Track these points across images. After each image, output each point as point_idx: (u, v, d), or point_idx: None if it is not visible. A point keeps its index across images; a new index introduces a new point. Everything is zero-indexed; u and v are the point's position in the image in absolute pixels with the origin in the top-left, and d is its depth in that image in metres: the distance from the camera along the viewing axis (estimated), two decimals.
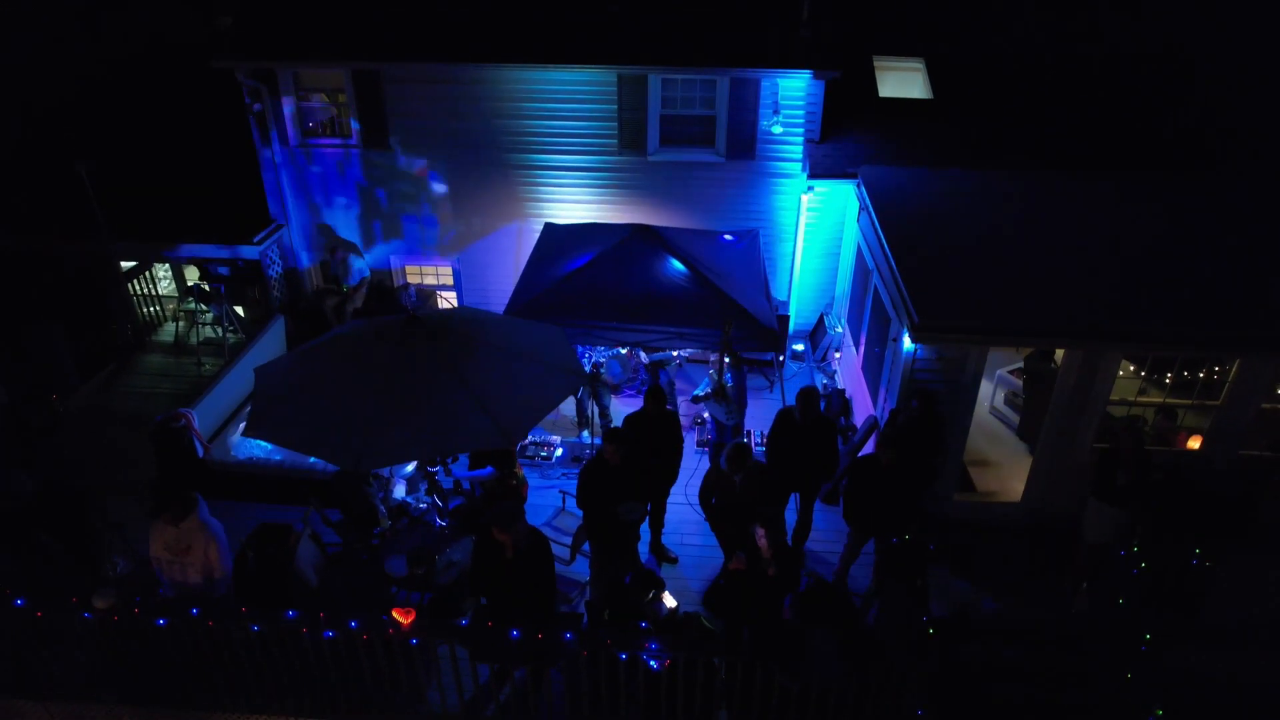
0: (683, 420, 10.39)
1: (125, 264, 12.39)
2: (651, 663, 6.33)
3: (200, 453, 9.27)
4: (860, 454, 8.61)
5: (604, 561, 7.41)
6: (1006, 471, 9.36)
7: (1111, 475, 7.48)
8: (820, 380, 11.35)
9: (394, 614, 6.41)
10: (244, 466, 9.28)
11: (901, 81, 11.99)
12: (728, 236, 9.82)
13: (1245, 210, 9.53)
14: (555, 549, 7.84)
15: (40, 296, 11.30)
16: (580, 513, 7.36)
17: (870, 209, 9.40)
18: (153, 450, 9.07)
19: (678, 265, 8.51)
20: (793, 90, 10.54)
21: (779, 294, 11.88)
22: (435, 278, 12.64)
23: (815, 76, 10.15)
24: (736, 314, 8.16)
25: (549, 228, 10.25)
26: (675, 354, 10.16)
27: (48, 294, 11.48)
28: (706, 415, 10.56)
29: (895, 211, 9.29)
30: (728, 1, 10.64)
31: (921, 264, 8.19)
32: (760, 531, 6.44)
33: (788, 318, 11.73)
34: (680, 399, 9.75)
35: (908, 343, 7.86)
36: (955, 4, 12.27)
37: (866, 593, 7.45)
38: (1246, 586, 7.64)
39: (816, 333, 12.09)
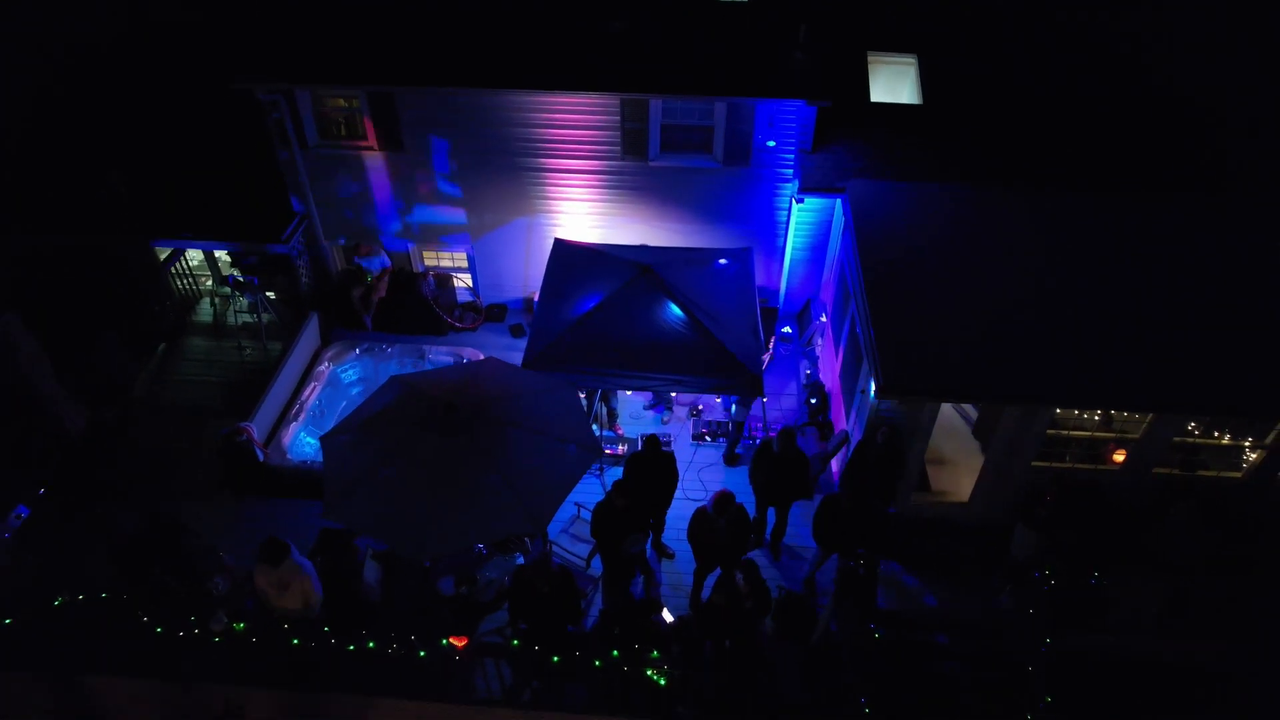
0: (678, 409, 11.84)
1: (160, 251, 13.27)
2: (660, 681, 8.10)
3: (261, 457, 10.70)
4: (825, 493, 10.03)
5: (613, 577, 9.04)
6: (960, 470, 10.81)
7: (1035, 508, 9.01)
8: (804, 366, 12.60)
9: (451, 641, 8.12)
10: (299, 470, 10.73)
11: (893, 78, 12.42)
12: (722, 261, 10.76)
13: (1240, 247, 10.09)
14: (573, 548, 9.51)
15: (87, 292, 12.24)
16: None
17: (853, 242, 10.27)
18: (220, 460, 10.51)
19: (676, 311, 9.58)
20: (786, 108, 11.10)
21: (771, 282, 12.91)
22: (451, 261, 13.56)
23: (808, 104, 10.70)
24: (727, 361, 9.34)
25: (558, 246, 11.12)
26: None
27: (92, 287, 12.41)
28: (702, 406, 11.99)
29: (876, 244, 10.14)
30: (726, 23, 10.96)
31: (894, 318, 9.22)
32: (740, 576, 8.00)
33: (776, 310, 12.83)
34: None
35: (874, 391, 9.09)
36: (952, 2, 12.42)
37: (827, 609, 9.12)
38: (1140, 597, 9.33)
39: (803, 316, 13.20)
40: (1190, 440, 9.58)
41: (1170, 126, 11.68)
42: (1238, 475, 9.72)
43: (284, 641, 8.34)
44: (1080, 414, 9.73)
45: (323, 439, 8.20)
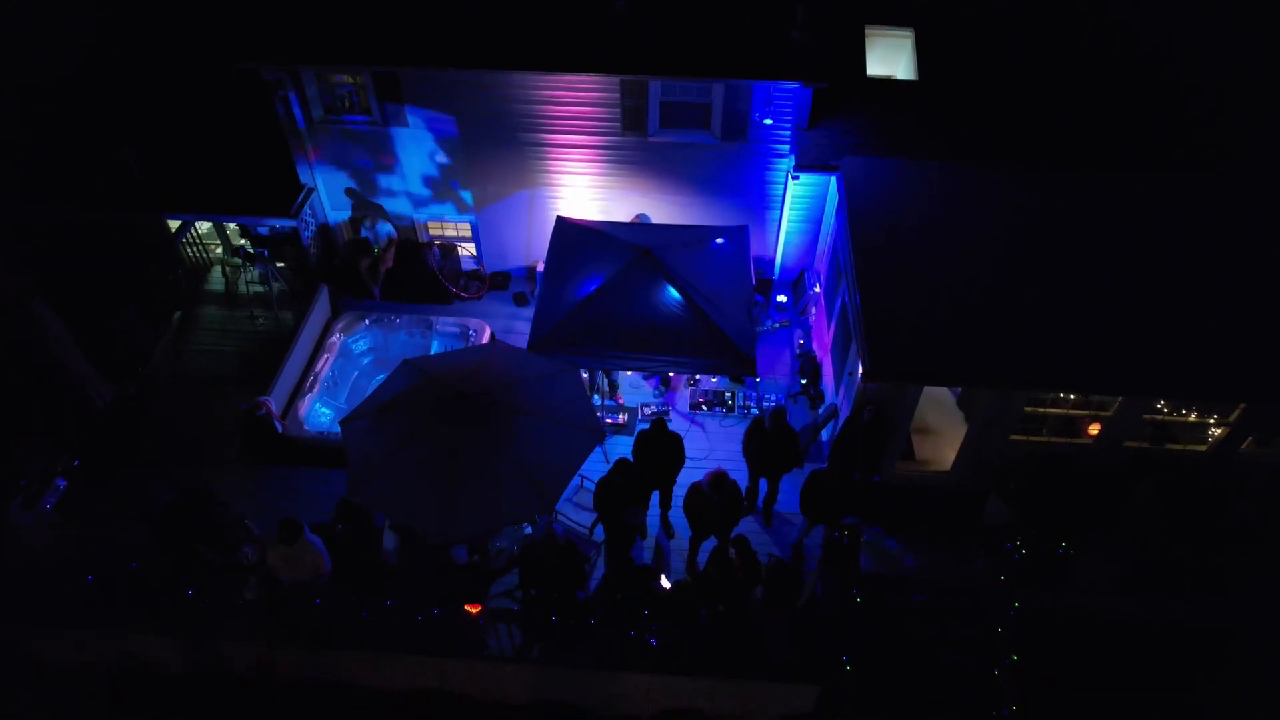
0: (675, 383, 12.37)
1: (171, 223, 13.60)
2: (652, 640, 8.84)
3: (279, 429, 11.27)
4: (814, 448, 10.64)
5: (615, 546, 9.71)
6: (944, 440, 11.39)
7: (1007, 481, 9.64)
8: (798, 335, 13.07)
9: (466, 608, 8.83)
10: (316, 440, 11.30)
11: (891, 51, 12.53)
12: (719, 240, 11.11)
13: (1225, 228, 10.42)
14: (577, 516, 10.18)
15: (106, 265, 12.63)
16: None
17: (846, 224, 10.63)
18: (241, 433, 11.08)
19: (674, 294, 9.99)
20: (783, 88, 11.29)
21: (768, 253, 13.29)
22: (455, 231, 13.88)
23: (804, 86, 10.90)
24: (722, 343, 9.82)
25: (560, 225, 11.43)
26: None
27: (111, 260, 12.79)
28: (699, 377, 12.52)
29: (868, 226, 10.50)
30: (725, 2, 11.05)
31: (882, 306, 9.65)
32: (733, 551, 8.66)
33: (772, 280, 13.25)
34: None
35: (861, 374, 9.60)
36: None
37: (813, 574, 9.81)
38: (1105, 560, 10.03)
39: (798, 285, 13.61)
40: (1160, 418, 10.14)
41: (1165, 103, 11.86)
42: (1203, 449, 10.32)
43: (310, 605, 9.05)
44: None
45: (342, 423, 8.74)
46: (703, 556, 9.77)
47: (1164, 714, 9.91)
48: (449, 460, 7.91)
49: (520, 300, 13.68)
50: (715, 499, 9.07)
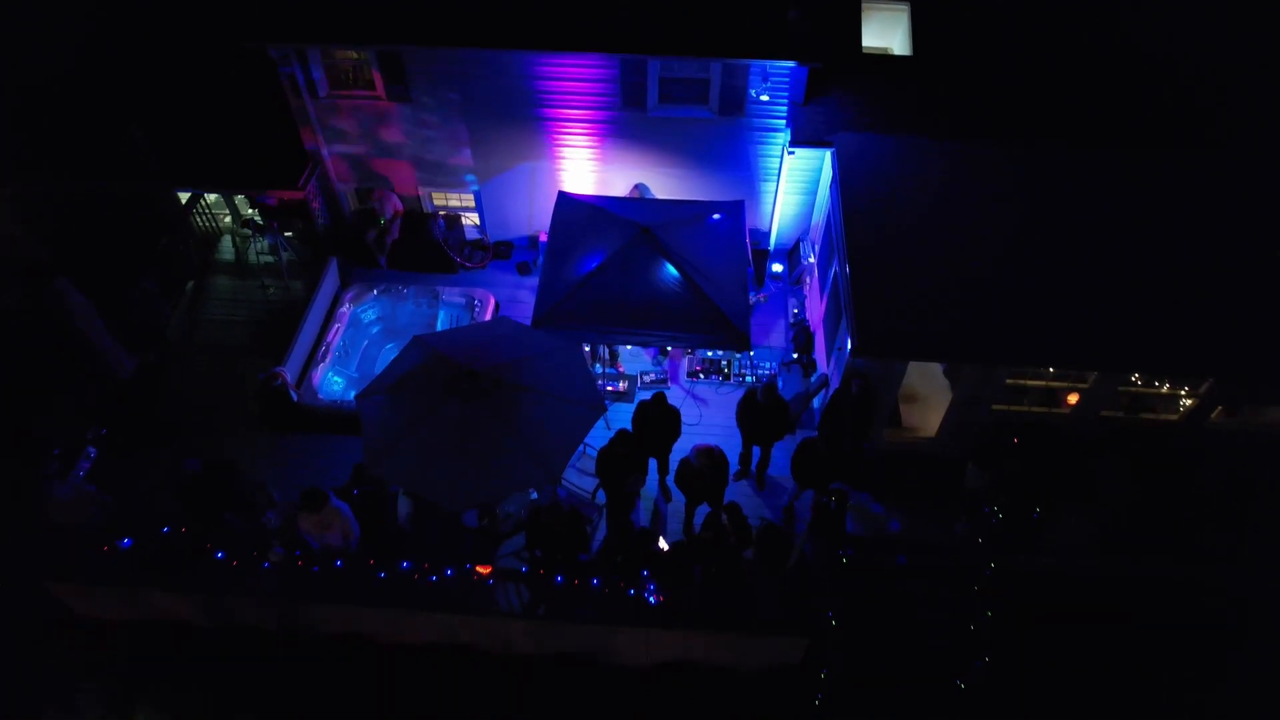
0: (674, 353, 12.86)
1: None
2: (650, 598, 9.50)
3: (294, 398, 11.80)
4: (805, 415, 11.14)
5: (615, 510, 10.31)
6: (930, 408, 11.89)
7: (987, 450, 10.20)
8: (792, 305, 13.51)
9: (477, 568, 9.47)
10: (330, 409, 11.83)
11: (886, 25, 12.71)
12: (716, 216, 11.46)
13: (1215, 210, 10.73)
14: (580, 482, 10.78)
15: (122, 237, 13.01)
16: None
17: (839, 201, 10.98)
18: (258, 403, 11.60)
19: (672, 272, 10.40)
20: (780, 65, 11.52)
21: (764, 223, 13.65)
22: (459, 202, 14.20)
23: (799, 64, 11.14)
24: (717, 319, 10.28)
25: (562, 200, 11.76)
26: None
27: (126, 232, 13.17)
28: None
29: (861, 204, 10.85)
30: None
31: (872, 285, 10.06)
32: (725, 517, 9.26)
33: (767, 251, 13.63)
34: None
35: (850, 349, 10.07)
36: None
37: (802, 536, 10.42)
38: (1078, 524, 10.65)
39: (794, 254, 13.99)
40: (1134, 390, 10.64)
41: (1157, 81, 12.04)
42: (1175, 418, 10.84)
43: (330, 566, 9.69)
44: None
45: (358, 397, 9.25)
46: (698, 520, 10.38)
47: (1133, 666, 10.61)
48: (460, 434, 8.44)
49: (523, 269, 14.08)
50: (703, 470, 9.63)
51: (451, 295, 13.24)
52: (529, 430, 8.54)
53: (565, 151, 12.98)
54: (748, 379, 12.48)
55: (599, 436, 10.58)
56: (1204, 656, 10.65)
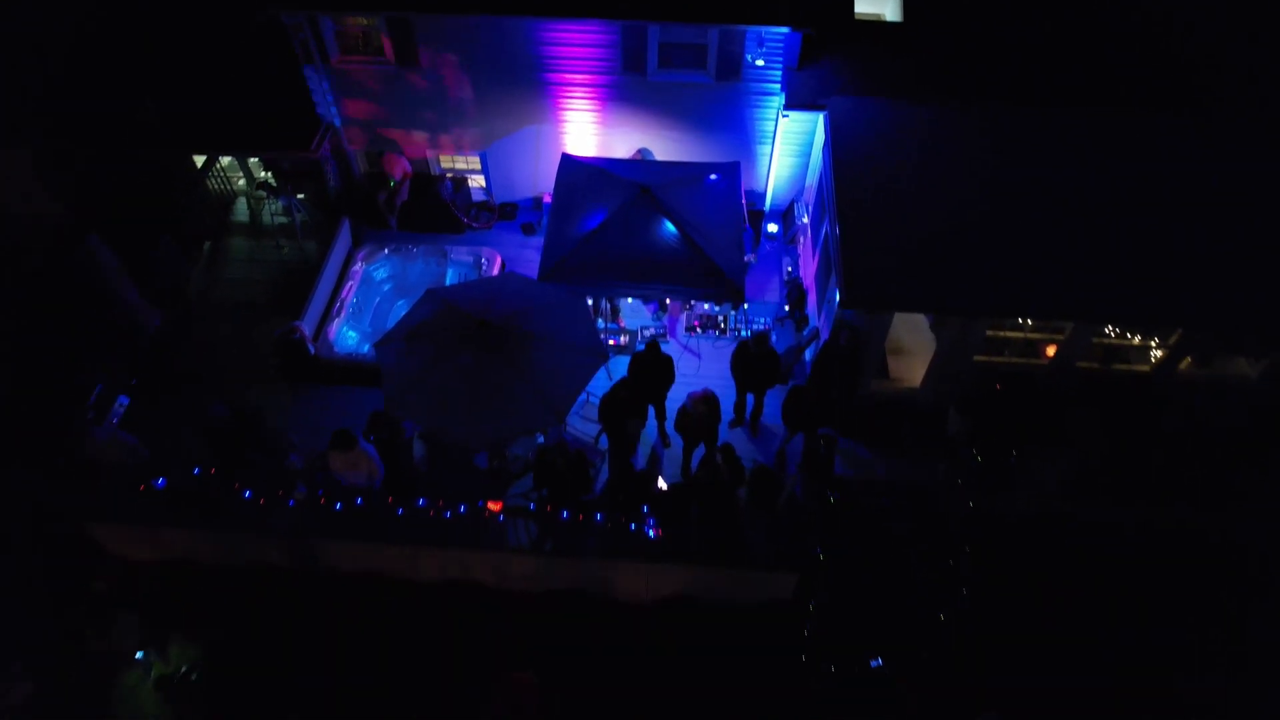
0: (672, 304, 13.45)
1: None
2: (649, 532, 10.19)
3: (311, 351, 12.42)
4: (797, 366, 11.75)
5: (617, 453, 10.98)
6: (917, 360, 12.51)
7: (969, 399, 10.84)
8: (786, 263, 14.08)
9: (488, 505, 10.15)
10: (345, 361, 12.45)
11: None
12: (713, 177, 12.00)
13: (1201, 168, 11.19)
14: (584, 428, 11.42)
15: (144, 200, 13.55)
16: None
17: (830, 162, 11.50)
18: (276, 356, 12.22)
19: (670, 228, 10.97)
20: (775, 30, 11.98)
21: (759, 185, 14.18)
22: (466, 164, 14.71)
23: (794, 30, 11.61)
24: (713, 273, 10.87)
25: (565, 162, 12.29)
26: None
27: (148, 196, 13.70)
28: (693, 302, 13.59)
29: (851, 164, 11.37)
30: None
31: (860, 241, 10.62)
32: (719, 457, 9.91)
33: (762, 211, 14.17)
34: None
35: (838, 301, 10.67)
36: None
37: (792, 478, 11.09)
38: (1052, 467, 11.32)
39: (788, 215, 14.54)
40: (1108, 341, 11.26)
41: (1145, 44, 12.47)
42: (1147, 369, 11.47)
43: (352, 504, 10.37)
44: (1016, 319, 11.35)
45: (376, 346, 9.87)
46: (695, 465, 11.03)
47: (1101, 599, 11.31)
48: (473, 379, 9.07)
49: (528, 230, 14.62)
50: (699, 414, 10.27)
51: (459, 254, 13.80)
52: (537, 375, 9.17)
53: (568, 115, 13.47)
54: (743, 333, 13.08)
55: (601, 386, 11.21)
56: (1163, 590, 11.32)
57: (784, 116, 12.71)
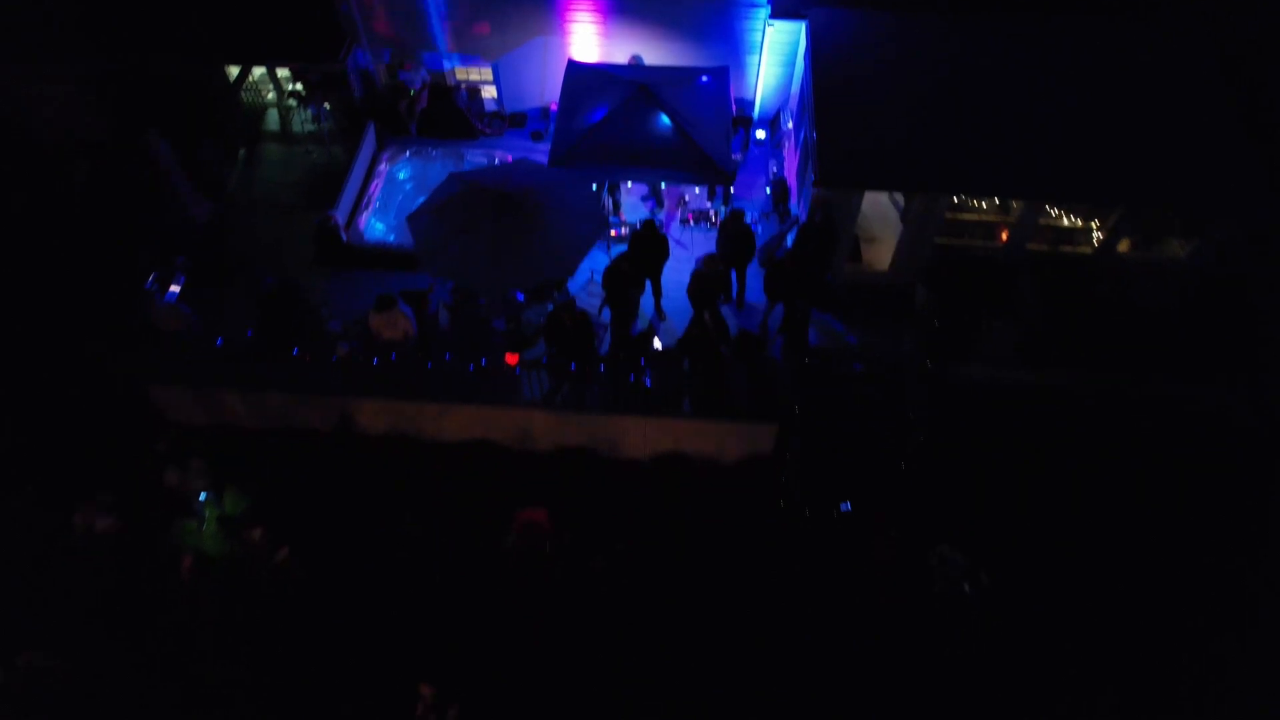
0: (668, 199, 14.83)
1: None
2: (647, 381, 11.74)
3: (344, 239, 13.85)
4: (779, 252, 13.17)
5: (619, 322, 12.47)
6: (886, 247, 13.91)
7: (937, 273, 12.31)
8: (772, 165, 15.43)
9: (506, 357, 11.69)
10: (374, 248, 13.89)
11: None
12: (704, 78, 13.30)
13: (1149, 65, 12.40)
14: (589, 302, 12.89)
15: (185, 107, 14.88)
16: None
17: (809, 62, 12.79)
18: (314, 241, 13.64)
19: (666, 121, 12.33)
20: None
21: (748, 94, 15.46)
22: (479, 76, 15.98)
23: None
24: (704, 160, 12.25)
25: (572, 67, 13.57)
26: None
27: (188, 103, 15.02)
28: (688, 198, 14.98)
29: (829, 64, 12.65)
30: None
31: (834, 126, 11.97)
32: (707, 315, 11.40)
33: (751, 118, 15.48)
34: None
35: (813, 181, 12.07)
36: None
37: (771, 336, 12.54)
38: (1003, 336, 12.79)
39: (775, 124, 15.84)
40: (1052, 223, 12.67)
41: None
42: (1089, 251, 12.90)
43: (386, 364, 11.87)
44: (971, 202, 12.74)
45: (409, 218, 11.32)
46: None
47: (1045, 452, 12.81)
48: (493, 239, 10.54)
49: (536, 137, 15.93)
50: (709, 272, 11.72)
51: (474, 156, 15.16)
52: (549, 235, 10.65)
53: (572, 27, 14.72)
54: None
55: (604, 266, 12.65)
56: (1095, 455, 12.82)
57: (769, 26, 13.94)
